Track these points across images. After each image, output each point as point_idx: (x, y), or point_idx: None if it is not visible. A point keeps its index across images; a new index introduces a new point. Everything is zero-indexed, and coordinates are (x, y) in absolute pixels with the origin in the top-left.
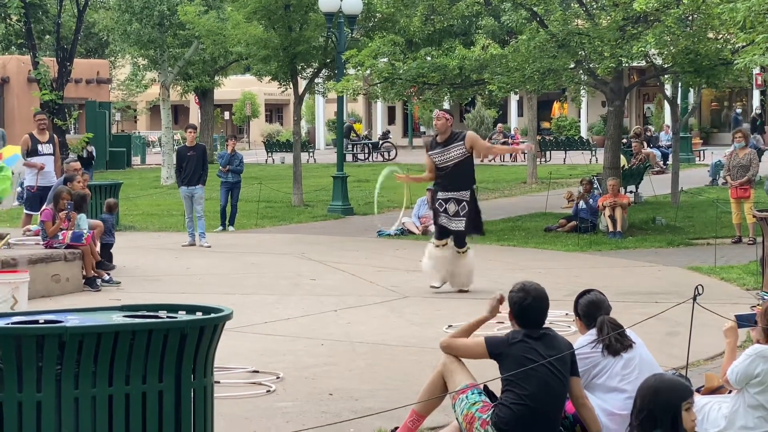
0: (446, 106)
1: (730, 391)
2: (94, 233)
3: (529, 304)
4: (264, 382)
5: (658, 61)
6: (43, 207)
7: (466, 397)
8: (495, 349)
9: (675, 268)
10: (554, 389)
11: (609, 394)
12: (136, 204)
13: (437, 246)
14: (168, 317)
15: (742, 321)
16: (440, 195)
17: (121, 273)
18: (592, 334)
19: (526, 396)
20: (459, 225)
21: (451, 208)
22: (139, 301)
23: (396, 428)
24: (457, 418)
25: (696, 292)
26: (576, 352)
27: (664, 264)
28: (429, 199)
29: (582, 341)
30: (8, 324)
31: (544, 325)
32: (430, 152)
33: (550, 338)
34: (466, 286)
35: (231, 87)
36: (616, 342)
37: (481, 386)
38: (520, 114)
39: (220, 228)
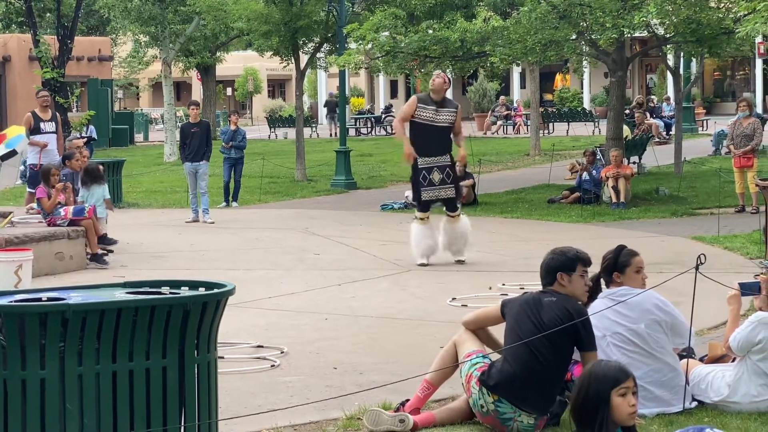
0: None
1: (733, 360)
2: (94, 207)
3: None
4: (268, 357)
5: (660, 31)
6: (37, 187)
7: (470, 360)
8: (503, 308)
9: (678, 237)
10: (538, 355)
11: None
12: (140, 181)
13: (422, 220)
14: (171, 293)
15: (746, 289)
16: (421, 163)
17: (125, 250)
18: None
19: (509, 357)
20: (450, 192)
21: (436, 176)
22: (142, 277)
23: (406, 401)
24: (462, 384)
25: (698, 262)
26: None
27: (668, 234)
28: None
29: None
30: (11, 302)
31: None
32: (420, 104)
33: (550, 304)
34: (462, 254)
35: (233, 63)
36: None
37: (487, 352)
38: (523, 86)
39: (224, 204)
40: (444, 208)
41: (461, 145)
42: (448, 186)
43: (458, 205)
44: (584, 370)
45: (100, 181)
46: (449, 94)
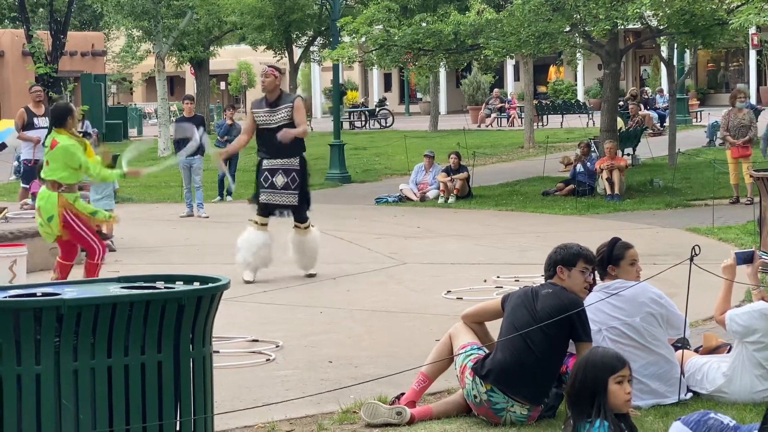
0: (442, 71)
1: (728, 351)
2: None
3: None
4: (263, 351)
5: (654, 22)
6: (32, 181)
7: (465, 351)
8: (504, 302)
9: (673, 229)
10: (531, 345)
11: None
12: None
13: (260, 225)
14: (165, 288)
15: (741, 258)
16: (266, 165)
17: (119, 245)
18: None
19: (502, 347)
20: (292, 199)
21: (279, 180)
22: (137, 272)
23: (401, 394)
24: (456, 376)
25: (693, 253)
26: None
27: (662, 225)
28: (426, 165)
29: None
30: (6, 297)
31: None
32: (254, 110)
33: (546, 295)
34: (311, 268)
35: (226, 57)
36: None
37: (481, 345)
38: (517, 78)
39: (218, 198)
40: (292, 219)
41: (295, 132)
42: (292, 192)
43: (307, 216)
44: (580, 356)
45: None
46: (443, 90)
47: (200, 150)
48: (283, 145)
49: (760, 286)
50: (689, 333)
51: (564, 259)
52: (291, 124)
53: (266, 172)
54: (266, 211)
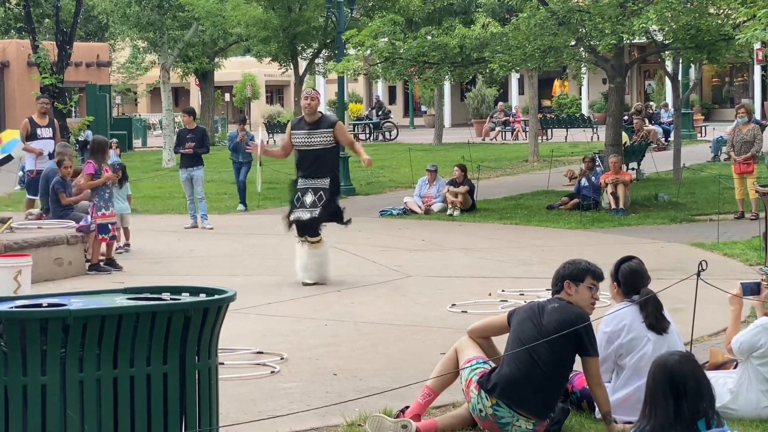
0: (447, 84)
1: (735, 367)
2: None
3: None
4: (268, 363)
5: (659, 37)
6: (87, 160)
7: (471, 365)
8: (510, 317)
9: (678, 244)
10: (537, 359)
11: (633, 377)
12: (138, 187)
13: (302, 242)
14: (171, 299)
15: (747, 289)
16: (300, 184)
17: (124, 256)
18: (627, 304)
19: (509, 361)
20: (314, 212)
21: (308, 199)
22: (142, 283)
23: (406, 407)
24: (462, 390)
25: (700, 268)
26: (611, 320)
27: (667, 240)
28: (429, 179)
29: (618, 309)
30: (12, 308)
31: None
32: (294, 131)
33: (552, 310)
34: (312, 280)
35: (231, 69)
36: (656, 321)
37: (486, 359)
38: (521, 92)
39: (242, 207)
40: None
41: (361, 152)
42: (316, 208)
43: (320, 232)
44: (686, 365)
45: (126, 179)
46: (448, 103)
47: (200, 160)
48: (320, 166)
49: None
50: (696, 348)
51: (572, 274)
52: (332, 148)
53: (299, 192)
54: (302, 231)
